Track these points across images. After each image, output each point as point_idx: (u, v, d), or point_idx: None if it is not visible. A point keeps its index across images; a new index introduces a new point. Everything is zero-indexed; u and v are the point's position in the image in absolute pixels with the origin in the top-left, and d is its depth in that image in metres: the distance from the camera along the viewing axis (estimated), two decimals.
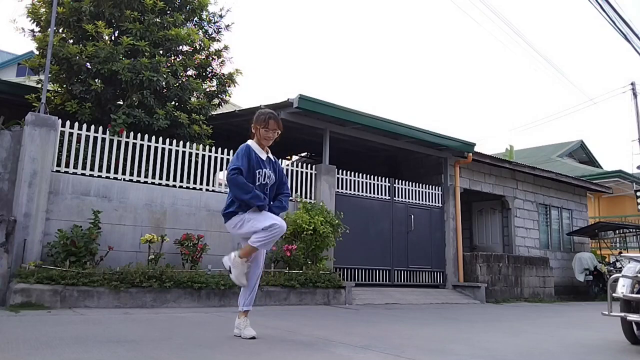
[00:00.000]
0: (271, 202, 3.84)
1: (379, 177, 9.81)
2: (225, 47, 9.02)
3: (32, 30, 8.00)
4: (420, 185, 10.47)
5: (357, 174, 9.44)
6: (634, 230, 14.38)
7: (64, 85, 7.76)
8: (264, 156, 3.83)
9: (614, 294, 4.35)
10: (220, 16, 9.20)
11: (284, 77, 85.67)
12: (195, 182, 7.47)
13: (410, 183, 10.30)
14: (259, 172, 3.75)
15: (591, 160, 23.58)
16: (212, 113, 8.87)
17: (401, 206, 10.05)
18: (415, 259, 10.08)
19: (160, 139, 7.28)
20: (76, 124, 6.67)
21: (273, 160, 3.94)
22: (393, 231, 9.81)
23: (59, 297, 5.41)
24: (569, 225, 14.03)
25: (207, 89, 8.83)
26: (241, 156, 3.72)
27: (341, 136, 9.42)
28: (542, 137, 59.76)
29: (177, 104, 8.21)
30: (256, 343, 3.71)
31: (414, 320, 6.24)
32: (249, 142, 3.87)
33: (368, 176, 9.62)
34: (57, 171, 6.41)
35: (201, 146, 7.75)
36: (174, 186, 7.26)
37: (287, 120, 8.41)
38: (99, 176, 6.68)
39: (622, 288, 4.34)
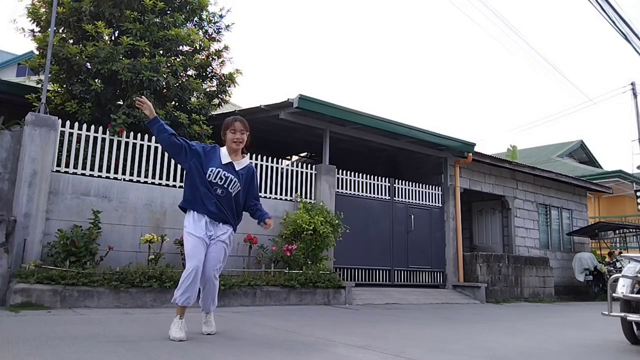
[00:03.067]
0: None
1: (379, 177, 9.80)
2: (226, 47, 9.01)
3: (32, 30, 7.99)
4: (420, 185, 10.47)
5: (357, 174, 9.44)
6: (634, 230, 14.38)
7: (64, 85, 7.75)
8: (226, 160, 3.82)
9: (614, 294, 4.35)
10: (221, 16, 9.19)
11: (284, 77, 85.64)
12: None
13: (410, 183, 10.30)
14: (211, 170, 3.74)
15: (591, 160, 23.57)
16: (212, 113, 8.86)
17: (401, 206, 10.04)
18: (415, 259, 10.08)
19: None
20: (76, 124, 6.67)
21: (243, 167, 3.91)
22: (393, 231, 9.81)
23: (59, 297, 5.40)
24: (569, 225, 14.02)
25: (207, 89, 8.82)
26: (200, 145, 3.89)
27: (341, 136, 9.42)
28: (542, 137, 59.76)
29: (177, 104, 8.21)
30: (256, 343, 3.71)
31: (414, 320, 6.24)
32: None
33: (368, 176, 9.61)
34: (57, 171, 6.40)
35: None
36: (174, 186, 7.25)
37: (287, 120, 8.42)
38: (99, 176, 6.68)
39: (622, 288, 4.34)
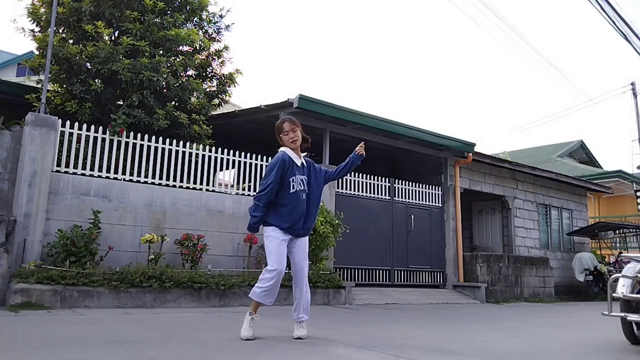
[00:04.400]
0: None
1: (379, 177, 9.80)
2: (226, 47, 9.02)
3: (32, 30, 8.00)
4: (420, 185, 10.47)
5: (357, 174, 9.44)
6: (634, 230, 14.38)
7: (64, 85, 7.76)
8: (298, 162, 3.91)
9: (614, 294, 4.35)
10: (221, 16, 9.20)
11: (284, 77, 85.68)
12: (195, 182, 7.47)
13: (410, 183, 10.30)
14: (292, 179, 3.82)
15: (591, 160, 23.57)
16: (212, 113, 8.87)
17: (401, 206, 10.04)
18: (415, 259, 10.08)
19: (160, 139, 7.28)
20: (76, 124, 6.67)
21: (307, 164, 3.98)
22: (393, 231, 9.81)
23: (59, 297, 5.41)
24: (569, 225, 14.02)
25: (207, 89, 8.83)
26: (274, 167, 3.82)
27: (341, 136, 9.42)
28: (542, 137, 59.79)
29: (177, 104, 8.21)
30: (256, 343, 3.71)
31: (414, 320, 6.24)
32: (283, 149, 3.95)
33: (368, 176, 9.62)
34: (57, 171, 6.40)
35: (201, 146, 7.74)
36: (174, 186, 7.25)
37: None
38: (99, 176, 6.68)
39: (622, 288, 4.33)
